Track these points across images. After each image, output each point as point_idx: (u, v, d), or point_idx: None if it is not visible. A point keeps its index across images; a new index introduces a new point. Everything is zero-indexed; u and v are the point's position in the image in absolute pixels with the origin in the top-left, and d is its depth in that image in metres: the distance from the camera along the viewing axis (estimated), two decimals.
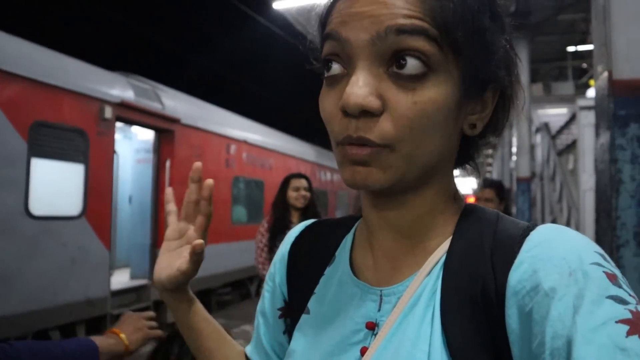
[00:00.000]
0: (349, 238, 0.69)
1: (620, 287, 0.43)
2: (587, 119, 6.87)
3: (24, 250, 4.39)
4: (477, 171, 0.65)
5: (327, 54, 0.54)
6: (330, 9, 0.56)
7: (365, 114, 0.50)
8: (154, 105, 6.13)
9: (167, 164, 6.36)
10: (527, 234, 0.51)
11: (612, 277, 0.44)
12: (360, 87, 0.49)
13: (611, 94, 1.79)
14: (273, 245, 3.49)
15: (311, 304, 0.66)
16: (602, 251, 0.48)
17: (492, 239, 0.53)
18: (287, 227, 3.49)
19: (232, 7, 8.61)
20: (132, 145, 6.93)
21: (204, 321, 0.76)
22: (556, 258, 0.46)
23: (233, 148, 7.86)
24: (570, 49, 12.91)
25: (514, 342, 0.46)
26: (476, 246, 0.54)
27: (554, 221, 8.71)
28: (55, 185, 4.82)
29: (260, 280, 3.64)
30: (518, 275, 0.47)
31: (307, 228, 0.76)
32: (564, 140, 9.72)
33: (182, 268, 0.70)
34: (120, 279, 6.33)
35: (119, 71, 6.19)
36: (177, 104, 6.73)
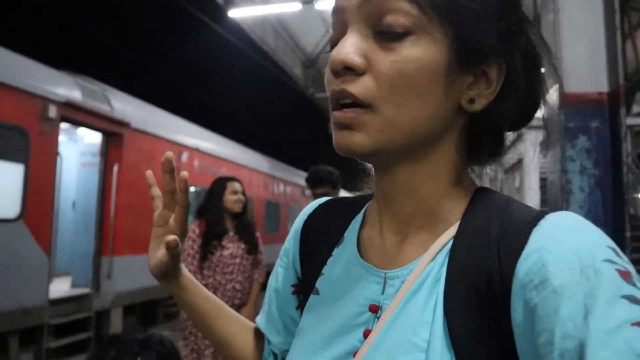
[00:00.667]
0: (358, 218, 0.68)
1: (634, 285, 0.41)
2: (533, 137, 7.12)
3: None
4: (499, 166, 0.62)
5: (333, 28, 0.57)
6: None
7: (349, 71, 0.51)
8: (103, 107, 5.92)
9: (115, 168, 6.13)
10: (537, 223, 0.49)
11: (625, 275, 0.42)
12: (345, 47, 0.51)
13: (561, 106, 1.85)
14: (207, 252, 3.24)
15: (319, 284, 0.66)
16: (614, 245, 0.46)
17: (499, 226, 0.51)
18: (224, 233, 3.30)
19: (188, 15, 8.50)
20: (78, 147, 6.66)
21: (201, 299, 0.78)
22: (567, 252, 0.44)
23: (184, 155, 7.69)
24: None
25: (518, 336, 0.45)
26: (483, 233, 0.52)
27: None
28: None
29: None
30: (526, 267, 0.46)
31: (320, 206, 0.76)
32: (509, 159, 10.07)
33: (163, 259, 0.73)
34: (61, 288, 6.01)
35: (67, 70, 5.96)
36: (128, 107, 6.52)
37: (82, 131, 6.41)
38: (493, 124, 0.57)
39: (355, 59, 0.51)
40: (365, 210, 0.69)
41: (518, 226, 0.50)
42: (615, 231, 1.77)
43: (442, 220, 0.57)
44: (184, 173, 0.72)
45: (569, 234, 0.46)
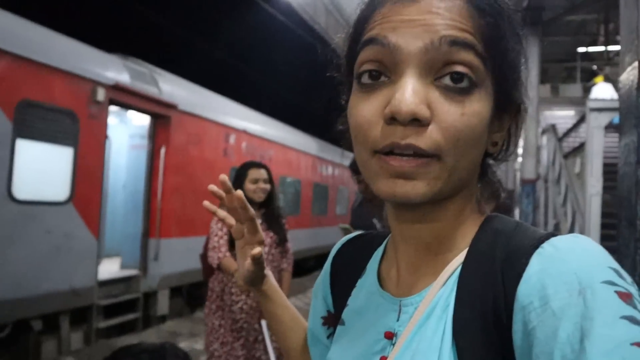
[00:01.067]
0: (379, 250, 0.71)
1: (635, 307, 0.41)
2: (597, 121, 6.69)
3: (6, 235, 4.20)
4: (499, 187, 0.66)
5: (369, 59, 0.53)
6: (369, 13, 0.56)
7: (414, 122, 0.49)
8: (151, 90, 5.92)
9: (162, 151, 6.15)
10: (539, 245, 0.49)
11: (625, 297, 0.41)
12: (412, 95, 0.49)
13: None
14: (233, 242, 2.97)
15: (345, 315, 0.69)
16: (617, 266, 0.45)
17: (504, 251, 0.52)
18: None
19: None
20: (127, 130, 6.74)
21: (281, 308, 0.86)
22: (567, 274, 0.44)
23: (232, 138, 7.65)
24: (581, 49, 12.66)
25: (519, 357, 0.46)
26: (489, 258, 0.53)
27: (557, 225, 8.52)
28: (42, 169, 4.63)
29: (211, 278, 3.20)
30: (526, 289, 0.46)
31: (348, 242, 0.79)
32: (570, 142, 9.52)
33: (249, 268, 0.82)
34: (110, 269, 6.15)
35: (117, 53, 5.99)
36: (175, 89, 6.51)
37: (132, 114, 6.46)
38: (495, 159, 0.63)
39: (425, 111, 0.50)
40: (386, 243, 0.71)
41: (521, 250, 0.50)
42: None
43: (453, 247, 0.59)
44: (239, 192, 0.80)
45: (570, 255, 0.46)
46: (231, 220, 0.85)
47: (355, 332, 0.65)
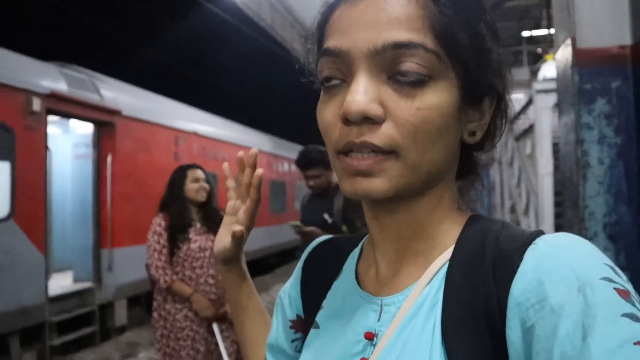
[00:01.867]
0: (356, 251, 0.69)
1: (633, 304, 0.41)
2: (544, 102, 6.89)
3: None
4: (481, 184, 0.64)
5: (327, 67, 0.55)
6: (327, 16, 0.57)
7: (367, 121, 0.50)
8: (91, 97, 5.70)
9: (109, 159, 5.94)
10: (531, 242, 0.49)
11: (624, 294, 0.41)
12: (361, 94, 0.50)
13: (575, 64, 1.57)
14: (173, 246, 2.97)
15: (319, 317, 0.66)
16: (612, 263, 0.45)
17: (494, 248, 0.51)
18: (189, 225, 3.03)
19: None
20: (70, 139, 6.47)
21: (247, 298, 0.83)
22: (564, 270, 0.44)
23: (182, 141, 7.47)
24: (525, 34, 13.02)
25: (513, 356, 0.45)
26: (478, 256, 0.52)
27: (513, 206, 8.75)
28: None
29: (155, 289, 3.12)
30: (522, 285, 0.45)
31: (320, 245, 0.76)
32: (521, 125, 9.78)
33: (226, 246, 0.79)
34: (61, 283, 5.92)
35: (55, 61, 5.73)
36: (118, 94, 6.30)
37: (74, 123, 6.20)
38: (479, 149, 0.61)
39: (376, 109, 0.50)
40: (363, 244, 0.69)
41: (513, 246, 0.50)
42: None
43: (437, 245, 0.57)
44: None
45: (565, 251, 0.46)
46: (232, 194, 0.82)
47: (331, 334, 0.62)
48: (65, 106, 5.31)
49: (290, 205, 12.18)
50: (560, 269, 0.44)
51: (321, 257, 0.74)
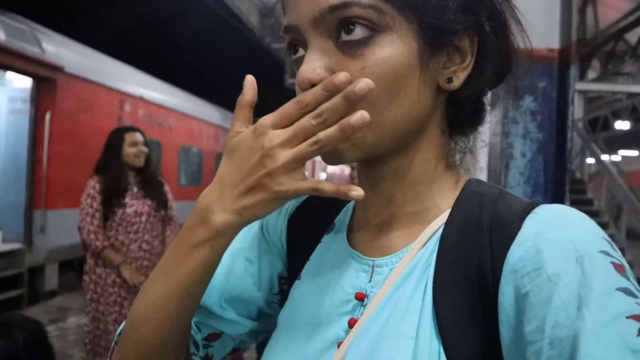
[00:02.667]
0: (350, 207, 0.67)
1: (628, 279, 0.41)
2: (488, 96, 7.13)
3: None
4: (480, 139, 0.63)
5: (288, 43, 0.56)
6: None
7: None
8: (32, 50, 5.42)
9: (47, 116, 5.69)
10: (531, 210, 0.49)
11: (620, 268, 0.42)
12: (309, 64, 0.50)
13: None
14: (108, 211, 2.91)
15: (305, 271, 0.64)
16: (609, 238, 0.45)
17: (492, 214, 0.51)
18: (124, 189, 2.96)
19: None
20: (6, 92, 6.13)
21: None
22: (563, 240, 0.44)
23: (127, 104, 7.25)
24: None
25: (503, 322, 0.45)
26: (475, 221, 0.51)
27: None
28: None
29: (87, 253, 3.03)
30: (519, 253, 0.45)
31: (307, 200, 0.71)
32: None
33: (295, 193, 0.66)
34: None
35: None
36: (62, 50, 6.02)
37: (11, 75, 5.88)
38: (474, 94, 0.56)
39: (322, 74, 0.49)
40: (355, 203, 0.66)
41: (512, 213, 0.49)
42: (555, 200, 1.66)
43: (432, 207, 0.56)
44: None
45: (565, 222, 0.46)
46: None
47: (317, 290, 0.60)
48: (1, 57, 5.04)
49: (206, 177, 12.09)
50: (560, 239, 0.44)
51: (310, 211, 0.70)
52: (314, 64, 0.50)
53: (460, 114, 0.57)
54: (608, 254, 0.43)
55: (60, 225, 5.88)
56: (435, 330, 0.48)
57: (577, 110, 9.26)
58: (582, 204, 7.66)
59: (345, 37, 0.50)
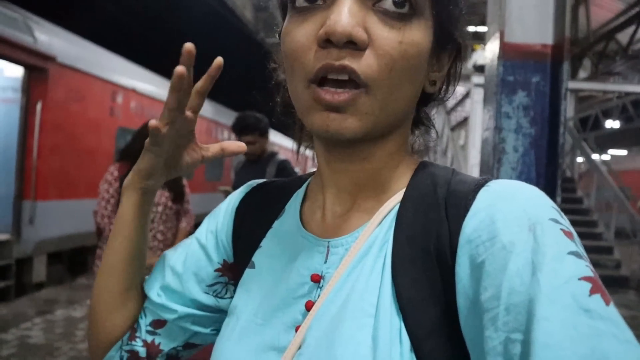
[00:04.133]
0: (300, 192, 0.66)
1: (576, 245, 0.43)
2: (480, 95, 7.18)
3: None
4: (435, 133, 0.66)
5: None
6: None
7: (349, 45, 0.47)
8: (24, 38, 5.36)
9: (38, 106, 5.64)
10: (484, 184, 0.50)
11: (569, 235, 0.43)
12: (348, 16, 0.46)
13: (501, 57, 1.69)
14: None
15: (256, 257, 0.63)
16: (558, 208, 0.47)
17: (446, 190, 0.52)
18: None
19: None
20: None
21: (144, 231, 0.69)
22: (516, 209, 0.45)
23: (120, 96, 7.20)
24: (470, 29, 13.42)
25: (459, 292, 0.45)
26: (430, 197, 0.52)
27: None
28: None
29: (100, 236, 3.05)
30: (474, 223, 0.46)
31: (257, 186, 0.72)
32: (457, 116, 10.15)
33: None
34: None
35: None
36: (54, 39, 5.96)
37: (2, 64, 5.82)
38: (437, 101, 0.61)
39: (362, 34, 0.47)
40: (307, 186, 0.67)
41: (465, 188, 0.50)
42: (546, 195, 1.67)
43: (387, 189, 0.57)
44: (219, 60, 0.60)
45: (517, 193, 0.47)
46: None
47: (271, 275, 0.60)
48: None
49: (226, 173, 12.06)
50: (513, 209, 0.45)
51: (259, 197, 0.70)
52: (353, 19, 0.47)
53: (421, 113, 0.63)
54: (557, 222, 0.44)
55: (50, 216, 5.84)
56: (396, 306, 0.48)
57: (568, 109, 9.32)
58: (571, 202, 7.73)
59: (388, 5, 0.48)
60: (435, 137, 0.68)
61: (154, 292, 0.68)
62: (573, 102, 9.93)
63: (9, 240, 5.55)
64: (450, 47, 0.57)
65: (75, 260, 6.68)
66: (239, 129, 3.19)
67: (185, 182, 3.30)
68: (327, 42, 0.47)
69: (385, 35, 0.48)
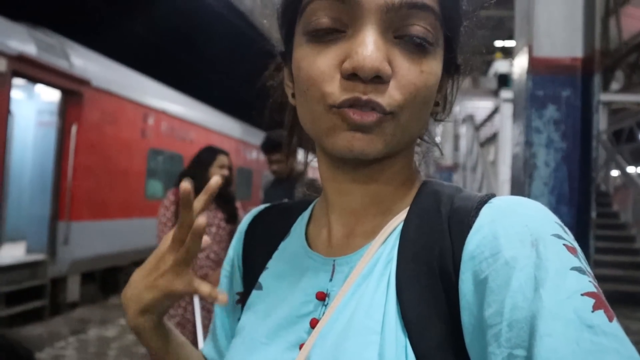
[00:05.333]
0: (305, 214, 0.68)
1: (580, 260, 0.42)
2: (509, 110, 7.09)
3: None
4: (438, 148, 0.67)
5: (322, 10, 0.50)
6: None
7: (375, 79, 0.48)
8: (61, 63, 5.57)
9: (73, 129, 5.82)
10: (487, 201, 0.50)
11: (572, 250, 0.43)
12: (374, 51, 0.47)
13: (530, 71, 1.66)
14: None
15: (262, 278, 0.64)
16: (561, 222, 0.47)
17: (449, 207, 0.52)
18: None
19: None
20: (35, 105, 6.30)
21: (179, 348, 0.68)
22: (518, 225, 0.45)
23: (151, 118, 7.38)
24: (498, 44, 13.34)
25: (464, 308, 0.45)
26: (433, 214, 0.53)
27: None
28: None
29: None
30: (477, 239, 0.46)
31: (264, 210, 0.73)
32: (487, 132, 10.04)
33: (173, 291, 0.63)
34: (13, 253, 5.76)
35: (24, 22, 5.57)
36: (89, 63, 6.17)
37: (40, 88, 6.04)
38: (436, 121, 0.62)
39: (388, 69, 0.48)
40: (313, 208, 0.68)
41: (469, 204, 0.51)
42: (580, 211, 1.63)
43: (393, 207, 0.57)
44: (202, 220, 0.58)
45: (520, 208, 0.47)
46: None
47: (276, 295, 0.60)
48: (32, 70, 5.18)
49: (255, 192, 12.16)
50: (515, 224, 0.45)
51: (266, 221, 0.71)
52: (380, 53, 0.48)
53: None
54: (560, 237, 0.44)
55: (84, 236, 5.98)
56: (401, 323, 0.48)
57: (600, 121, 9.12)
58: (607, 217, 7.51)
59: (409, 37, 0.49)
60: (440, 155, 0.70)
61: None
62: (606, 115, 9.71)
63: (45, 260, 5.69)
64: (452, 69, 0.59)
65: (107, 280, 6.79)
66: (267, 148, 3.24)
67: (238, 203, 3.41)
68: (353, 75, 0.48)
69: (407, 67, 0.49)
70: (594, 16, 1.69)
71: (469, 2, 0.57)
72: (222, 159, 3.24)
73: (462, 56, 0.59)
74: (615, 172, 9.77)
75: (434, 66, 0.51)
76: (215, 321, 0.73)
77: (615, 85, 9.21)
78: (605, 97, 8.46)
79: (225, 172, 3.26)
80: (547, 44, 1.66)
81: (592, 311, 0.38)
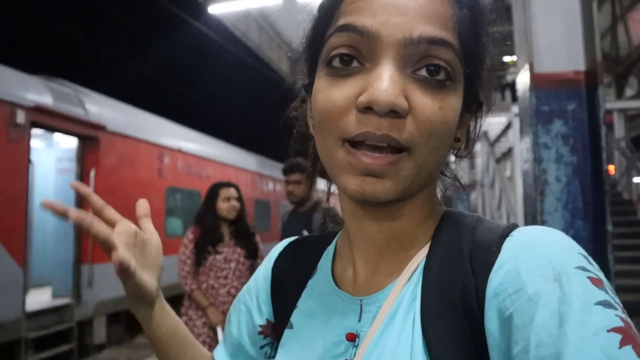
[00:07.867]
0: (330, 249, 0.68)
1: (606, 292, 0.41)
2: None
3: None
4: (458, 182, 0.66)
5: (342, 45, 0.51)
6: None
7: (391, 113, 0.47)
8: (76, 111, 5.72)
9: (92, 173, 5.94)
10: (508, 234, 0.49)
11: (597, 282, 0.42)
12: (390, 86, 0.47)
13: (533, 88, 1.67)
14: (201, 258, 3.25)
15: (294, 318, 0.65)
16: (585, 253, 0.46)
17: (471, 242, 0.52)
18: (219, 240, 3.29)
19: (165, 11, 8.28)
20: (54, 153, 6.46)
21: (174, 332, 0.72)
22: (540, 259, 0.44)
23: (166, 157, 7.50)
24: (507, 59, 13.36)
25: (492, 347, 0.45)
26: (455, 249, 0.52)
27: None
28: None
29: (184, 296, 3.36)
30: (500, 276, 0.46)
31: (290, 245, 0.74)
32: (502, 147, 9.96)
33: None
34: (40, 299, 5.83)
35: (40, 74, 5.76)
36: (103, 109, 6.32)
37: (58, 136, 6.21)
38: (457, 157, 0.62)
39: (404, 103, 0.47)
40: (337, 242, 0.68)
41: (490, 238, 0.50)
42: (596, 224, 1.60)
43: (416, 242, 0.57)
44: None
45: (541, 241, 0.46)
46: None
47: (308, 334, 0.61)
48: (49, 120, 5.33)
49: (274, 224, 12.18)
50: (537, 258, 0.44)
51: (292, 256, 0.72)
52: (395, 87, 0.47)
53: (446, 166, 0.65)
54: (585, 269, 0.43)
55: (107, 278, 6.02)
56: None
57: (618, 129, 9.00)
58: (632, 225, 7.34)
59: (427, 73, 0.49)
60: (460, 188, 0.69)
61: None
62: (622, 122, 9.59)
63: (70, 303, 5.74)
64: (474, 105, 0.58)
65: (133, 319, 6.81)
66: (285, 170, 3.33)
67: (258, 237, 3.46)
68: (368, 108, 0.48)
69: (425, 102, 0.48)
70: (594, 28, 1.69)
71: (484, 32, 0.56)
72: (225, 192, 3.34)
73: (484, 93, 0.58)
74: (637, 179, 9.59)
75: (453, 102, 0.50)
76: (231, 338, 0.76)
77: (629, 92, 9.12)
78: (620, 104, 8.37)
79: (235, 203, 3.34)
80: (549, 59, 1.66)
81: (620, 347, 0.37)
